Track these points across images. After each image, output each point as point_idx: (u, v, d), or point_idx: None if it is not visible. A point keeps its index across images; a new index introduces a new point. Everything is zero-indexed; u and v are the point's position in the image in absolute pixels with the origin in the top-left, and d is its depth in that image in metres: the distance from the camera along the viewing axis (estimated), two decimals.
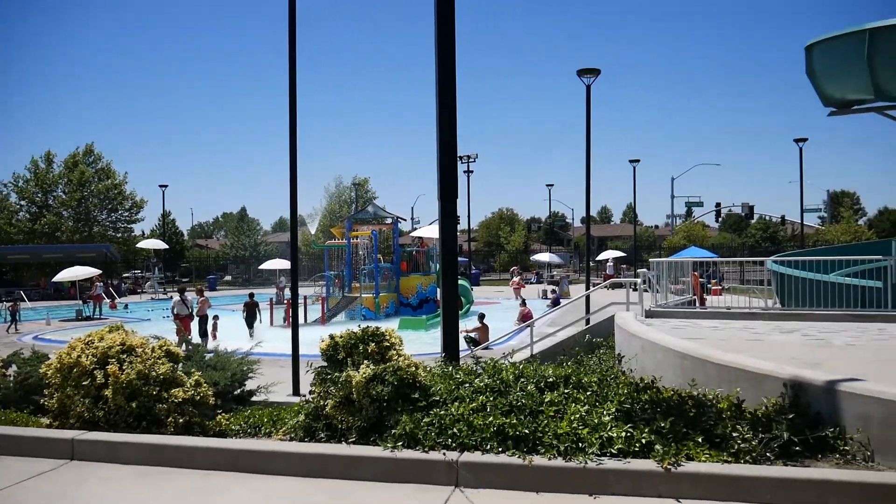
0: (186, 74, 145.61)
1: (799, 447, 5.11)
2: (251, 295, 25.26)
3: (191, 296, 22.48)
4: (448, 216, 7.95)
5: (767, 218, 69.42)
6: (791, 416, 5.36)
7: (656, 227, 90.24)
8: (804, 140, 44.76)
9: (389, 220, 34.08)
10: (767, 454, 5.02)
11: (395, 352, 6.46)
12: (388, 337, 6.61)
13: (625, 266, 49.70)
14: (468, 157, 55.22)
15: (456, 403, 5.83)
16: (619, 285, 16.62)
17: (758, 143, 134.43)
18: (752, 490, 4.67)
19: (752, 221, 68.69)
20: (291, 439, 6.30)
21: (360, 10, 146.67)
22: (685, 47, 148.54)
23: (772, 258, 17.14)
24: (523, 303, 25.04)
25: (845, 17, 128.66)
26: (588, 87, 23.80)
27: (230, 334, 20.59)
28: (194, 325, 20.98)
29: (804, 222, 52.36)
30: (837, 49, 13.44)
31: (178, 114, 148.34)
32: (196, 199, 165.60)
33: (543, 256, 56.89)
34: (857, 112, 14.39)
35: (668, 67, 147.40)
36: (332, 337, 6.68)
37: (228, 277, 63.31)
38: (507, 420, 5.45)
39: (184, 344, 10.67)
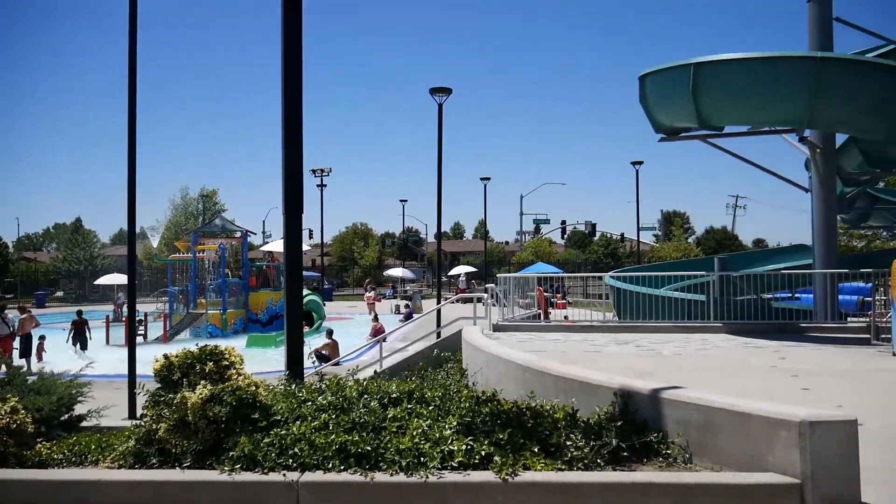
0: (11, 70, 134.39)
1: (627, 452, 5.40)
2: (79, 312, 23.66)
3: (12, 314, 20.67)
4: (293, 232, 7.80)
5: (609, 235, 73.54)
6: (620, 424, 5.66)
7: (506, 242, 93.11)
8: (640, 163, 47.95)
9: (239, 234, 33.07)
10: (598, 460, 5.26)
11: (234, 371, 6.22)
12: (227, 355, 6.35)
13: (475, 281, 50.89)
14: (322, 170, 54.67)
15: (298, 422, 5.70)
16: (470, 300, 16.98)
17: (600, 164, 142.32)
18: (583, 495, 4.88)
19: (595, 238, 72.49)
20: (120, 466, 5.90)
21: (204, 12, 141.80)
22: (533, 69, 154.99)
23: (610, 274, 18.14)
24: (375, 318, 25.05)
25: (684, 45, 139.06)
26: (440, 106, 24.29)
27: (59, 355, 19.12)
28: (17, 346, 19.29)
29: (640, 239, 55.94)
30: (666, 80, 14.61)
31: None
32: (23, 207, 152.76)
33: (396, 271, 57.20)
34: (684, 139, 15.66)
35: (517, 88, 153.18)
36: (166, 356, 6.34)
37: (60, 293, 58.92)
38: (350, 437, 5.39)
39: (2, 366, 9.77)
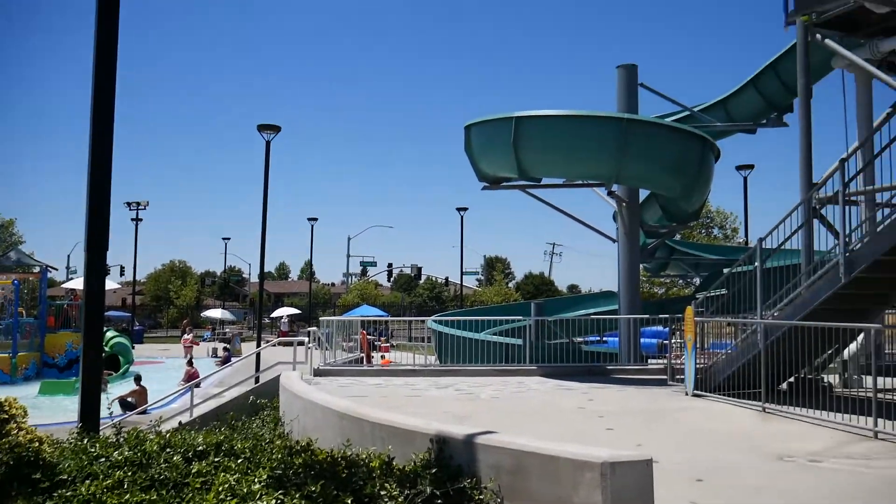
0: None
1: (441, 500, 5.38)
2: None
3: None
4: (95, 268, 7.18)
5: (434, 279, 74.95)
6: (435, 471, 5.63)
7: (333, 284, 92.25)
8: (465, 209, 49.50)
9: (37, 269, 30.27)
10: None
11: (14, 425, 5.56)
12: (6, 407, 5.67)
13: (299, 323, 49.83)
14: (138, 203, 51.67)
15: (87, 482, 5.16)
16: (291, 343, 16.52)
17: (427, 209, 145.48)
18: None
19: (421, 282, 73.68)
20: None
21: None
22: (364, 112, 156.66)
23: (432, 318, 18.38)
24: (190, 362, 23.69)
25: (507, 98, 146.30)
26: (268, 143, 23.84)
27: None
28: None
29: (464, 283, 57.51)
30: (490, 131, 15.22)
31: None
32: None
33: (216, 312, 54.76)
34: (505, 188, 16.33)
35: (347, 129, 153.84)
36: None
37: None
38: (147, 496, 4.95)
39: None
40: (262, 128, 23.97)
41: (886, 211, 9.95)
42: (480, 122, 15.39)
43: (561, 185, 16.76)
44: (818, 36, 11.59)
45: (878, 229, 9.38)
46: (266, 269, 24.80)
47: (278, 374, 13.01)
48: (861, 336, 10.95)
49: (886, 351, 15.15)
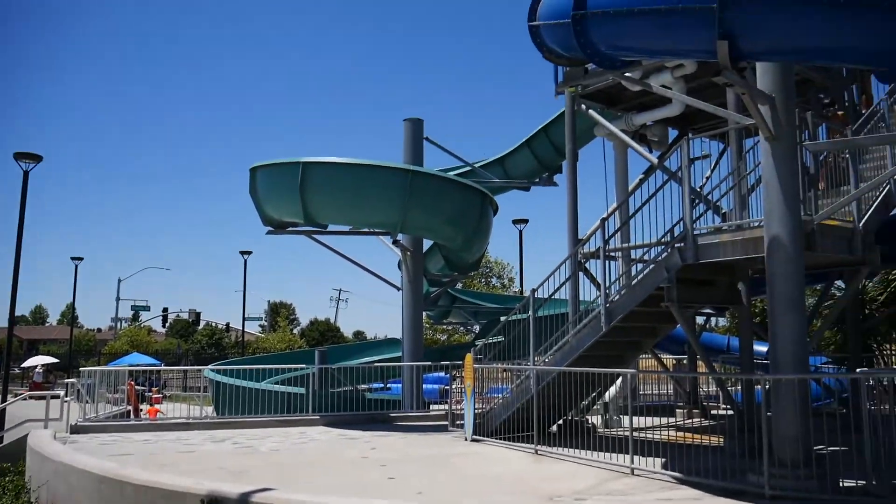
0: None
1: None
2: None
3: None
4: None
5: (214, 324, 71.37)
6: None
7: (99, 330, 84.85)
8: (249, 253, 47.97)
9: None
10: None
11: None
12: None
13: (57, 373, 45.05)
14: None
15: None
16: (44, 397, 14.82)
17: (208, 252, 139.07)
18: None
19: (200, 328, 69.84)
20: None
21: None
22: (136, 147, 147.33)
23: (210, 366, 17.46)
24: None
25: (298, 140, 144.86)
26: (26, 174, 21.62)
27: None
28: None
29: (246, 329, 55.43)
30: (276, 175, 14.95)
31: None
32: None
33: None
34: (291, 233, 16.05)
35: (119, 165, 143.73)
36: None
37: None
38: None
39: None
40: (19, 156, 21.69)
41: (640, 266, 11.05)
42: (267, 165, 15.10)
43: (347, 233, 16.81)
44: (583, 106, 12.77)
45: (633, 283, 10.38)
46: (18, 313, 22.21)
47: (27, 432, 11.59)
48: (620, 380, 11.96)
49: (641, 392, 16.71)
